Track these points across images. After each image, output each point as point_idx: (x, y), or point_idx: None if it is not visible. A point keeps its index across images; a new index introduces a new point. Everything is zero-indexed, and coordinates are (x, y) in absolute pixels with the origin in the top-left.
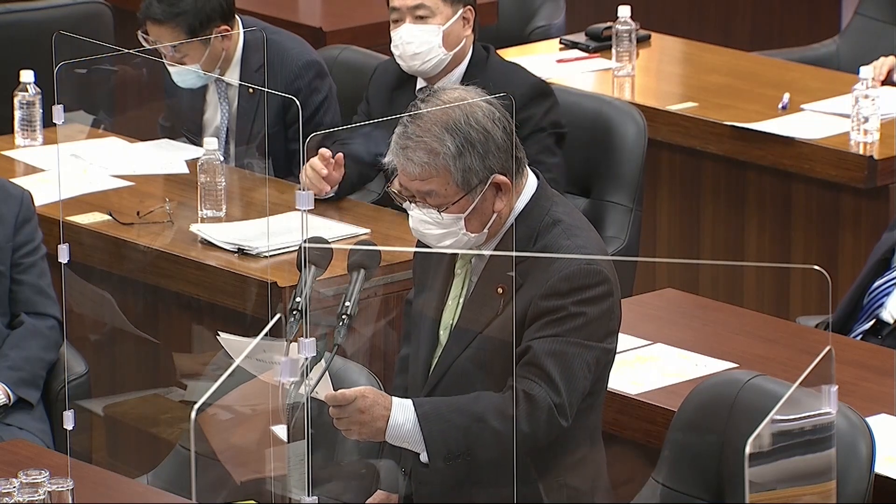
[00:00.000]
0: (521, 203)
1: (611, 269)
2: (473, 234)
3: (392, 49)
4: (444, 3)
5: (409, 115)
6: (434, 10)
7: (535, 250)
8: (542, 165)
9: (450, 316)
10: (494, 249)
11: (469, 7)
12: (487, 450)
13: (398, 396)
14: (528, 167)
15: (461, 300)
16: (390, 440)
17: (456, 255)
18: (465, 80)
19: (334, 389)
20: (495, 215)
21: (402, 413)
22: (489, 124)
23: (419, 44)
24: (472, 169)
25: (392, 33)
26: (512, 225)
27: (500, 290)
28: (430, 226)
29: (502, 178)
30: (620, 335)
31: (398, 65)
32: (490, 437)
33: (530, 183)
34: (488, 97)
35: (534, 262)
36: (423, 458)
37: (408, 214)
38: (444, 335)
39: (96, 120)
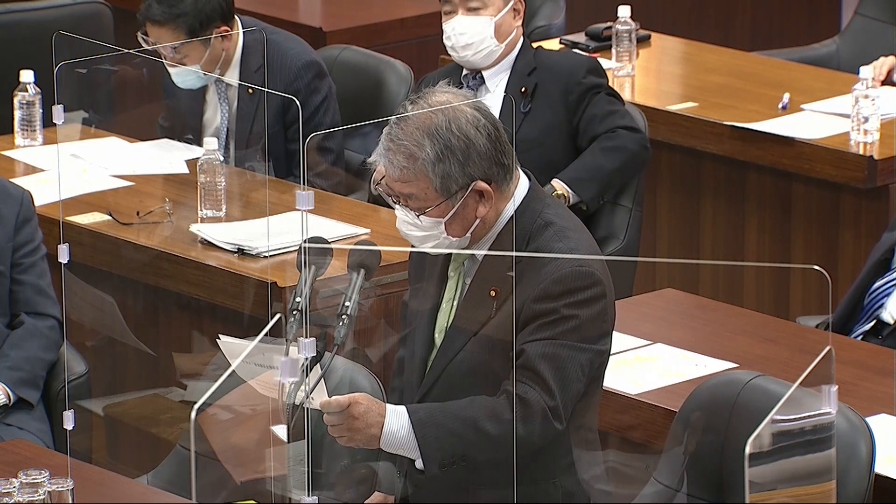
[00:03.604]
0: (512, 206)
1: (603, 271)
2: (455, 239)
3: (444, 41)
4: None
5: (396, 117)
6: (486, 2)
7: (527, 252)
8: (615, 115)
9: (444, 318)
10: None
11: None
12: (482, 454)
13: (395, 398)
14: (519, 169)
15: (455, 303)
16: (385, 447)
17: (449, 257)
18: (516, 67)
19: (337, 388)
20: (478, 220)
21: (397, 420)
22: (472, 131)
23: (471, 35)
24: (451, 175)
25: (444, 25)
26: (505, 227)
27: (492, 293)
28: (412, 227)
29: (484, 185)
30: (621, 335)
31: (442, 75)
32: (485, 441)
33: (522, 185)
34: (476, 101)
35: (526, 265)
36: (419, 464)
37: None
38: (438, 338)
39: (87, 119)
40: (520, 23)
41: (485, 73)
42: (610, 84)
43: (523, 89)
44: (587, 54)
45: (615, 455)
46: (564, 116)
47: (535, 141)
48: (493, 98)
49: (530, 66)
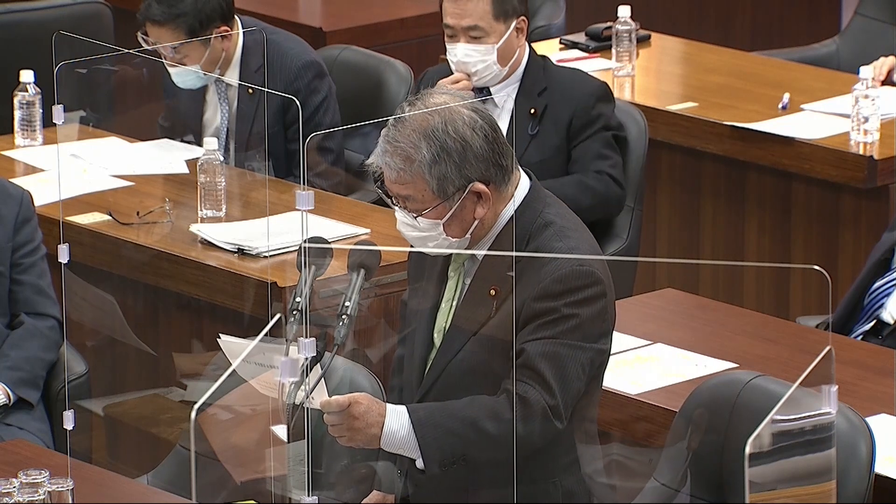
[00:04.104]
0: (512, 206)
1: (604, 270)
2: (455, 240)
3: (449, 58)
4: (496, 22)
5: (394, 119)
6: (488, 31)
7: (527, 252)
8: (608, 161)
9: (443, 319)
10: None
11: (522, 17)
12: (483, 454)
13: (395, 397)
14: (520, 169)
15: (454, 303)
16: (385, 447)
17: (449, 257)
18: (524, 84)
19: (337, 388)
20: (477, 221)
21: (397, 420)
22: (468, 133)
23: (475, 63)
24: (448, 177)
25: (447, 46)
26: (505, 227)
27: (492, 293)
28: (411, 229)
29: (482, 186)
30: (621, 335)
31: (443, 74)
32: (485, 441)
33: (522, 185)
34: (473, 101)
35: (526, 265)
36: (419, 464)
37: None
38: (438, 338)
39: (86, 118)
40: (523, 40)
41: (491, 88)
42: (616, 114)
43: (532, 111)
44: (592, 66)
45: (618, 449)
46: (566, 138)
47: (539, 164)
48: (503, 114)
49: (541, 86)
